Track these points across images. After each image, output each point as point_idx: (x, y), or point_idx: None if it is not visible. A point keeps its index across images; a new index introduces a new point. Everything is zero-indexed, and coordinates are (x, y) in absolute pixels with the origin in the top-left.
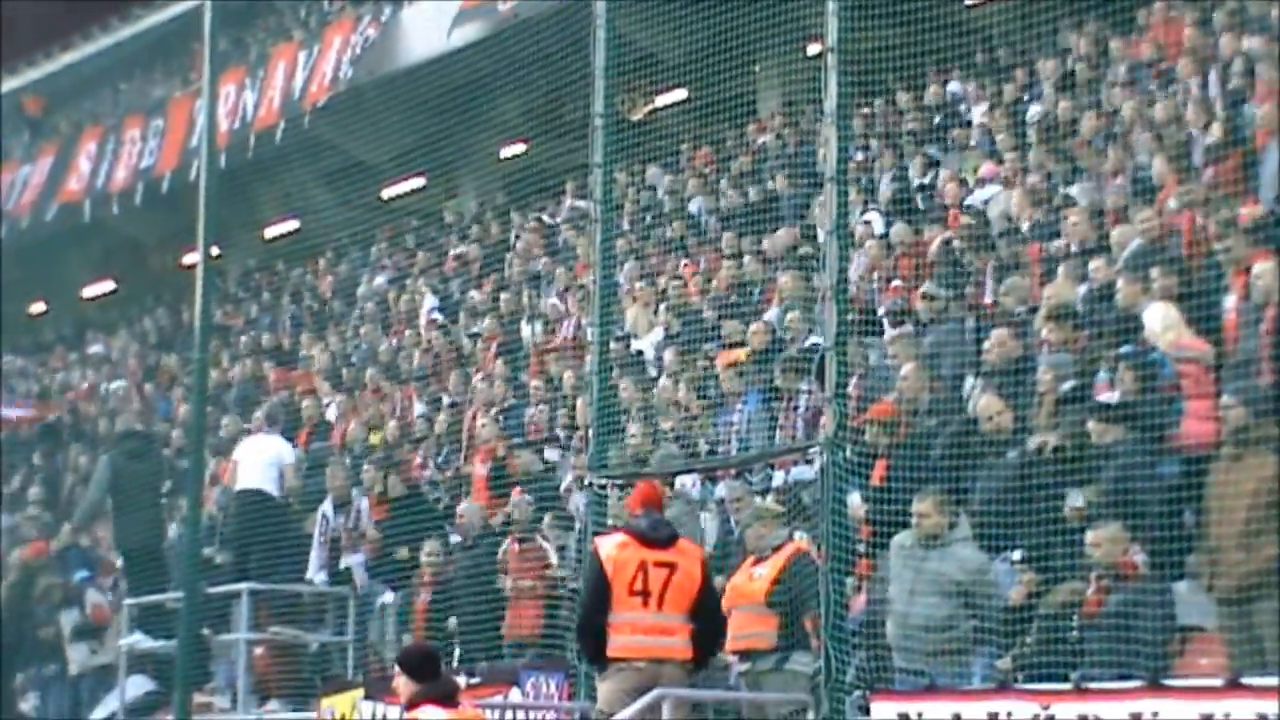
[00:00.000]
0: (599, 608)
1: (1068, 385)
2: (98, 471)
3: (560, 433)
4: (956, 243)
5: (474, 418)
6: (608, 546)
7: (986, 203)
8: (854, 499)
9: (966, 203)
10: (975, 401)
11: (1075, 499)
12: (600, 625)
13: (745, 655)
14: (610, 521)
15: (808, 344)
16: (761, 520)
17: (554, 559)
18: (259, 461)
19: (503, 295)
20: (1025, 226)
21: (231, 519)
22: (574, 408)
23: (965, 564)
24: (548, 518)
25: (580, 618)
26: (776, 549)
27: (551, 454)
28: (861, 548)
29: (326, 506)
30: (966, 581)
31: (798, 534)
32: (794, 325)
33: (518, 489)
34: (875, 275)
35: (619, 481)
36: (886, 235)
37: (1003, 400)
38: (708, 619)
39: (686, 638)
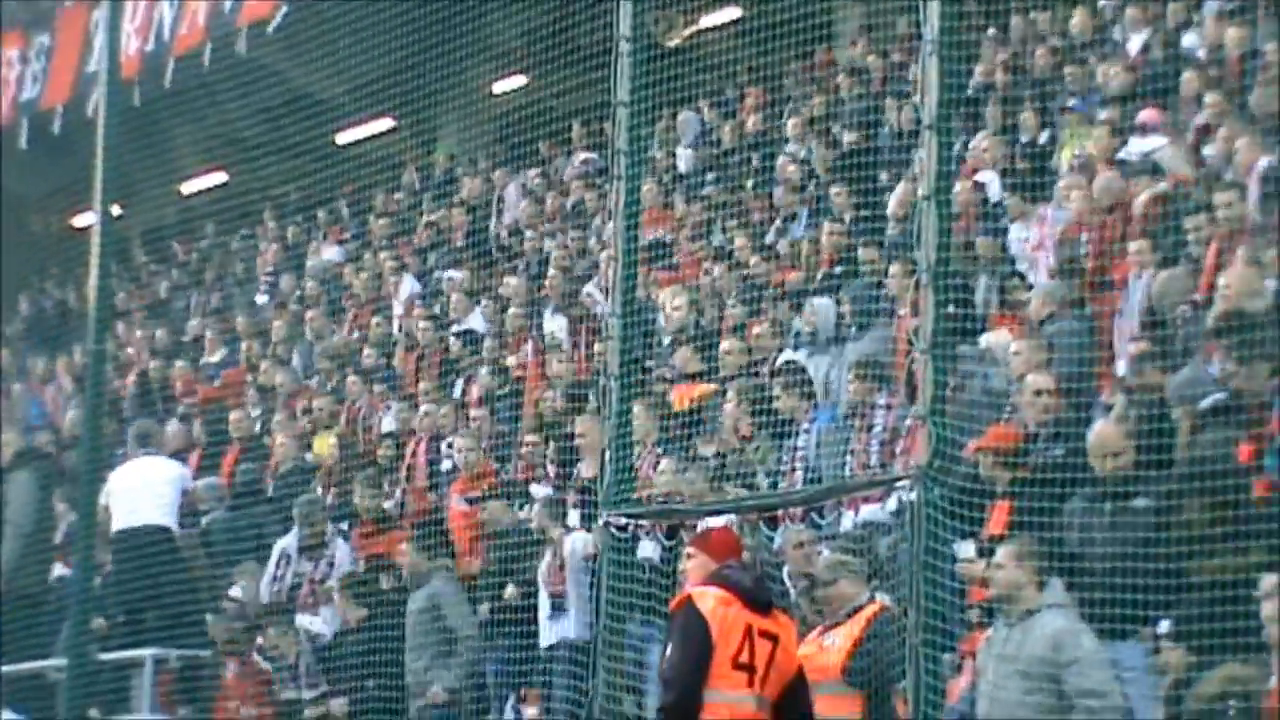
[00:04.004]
0: (698, 681)
1: (1209, 401)
2: None
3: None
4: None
5: (418, 445)
6: (709, 601)
7: (1148, 157)
8: (966, 550)
9: (1118, 158)
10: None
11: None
12: (696, 703)
13: None
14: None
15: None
16: (848, 576)
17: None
18: (146, 491)
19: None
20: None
21: (120, 567)
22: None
23: (1053, 639)
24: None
25: (679, 691)
26: (854, 612)
27: (539, 490)
28: (974, 615)
29: (289, 542)
30: (1057, 662)
31: (879, 593)
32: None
33: None
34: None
35: (643, 523)
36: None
37: (1123, 432)
38: (799, 713)
39: None
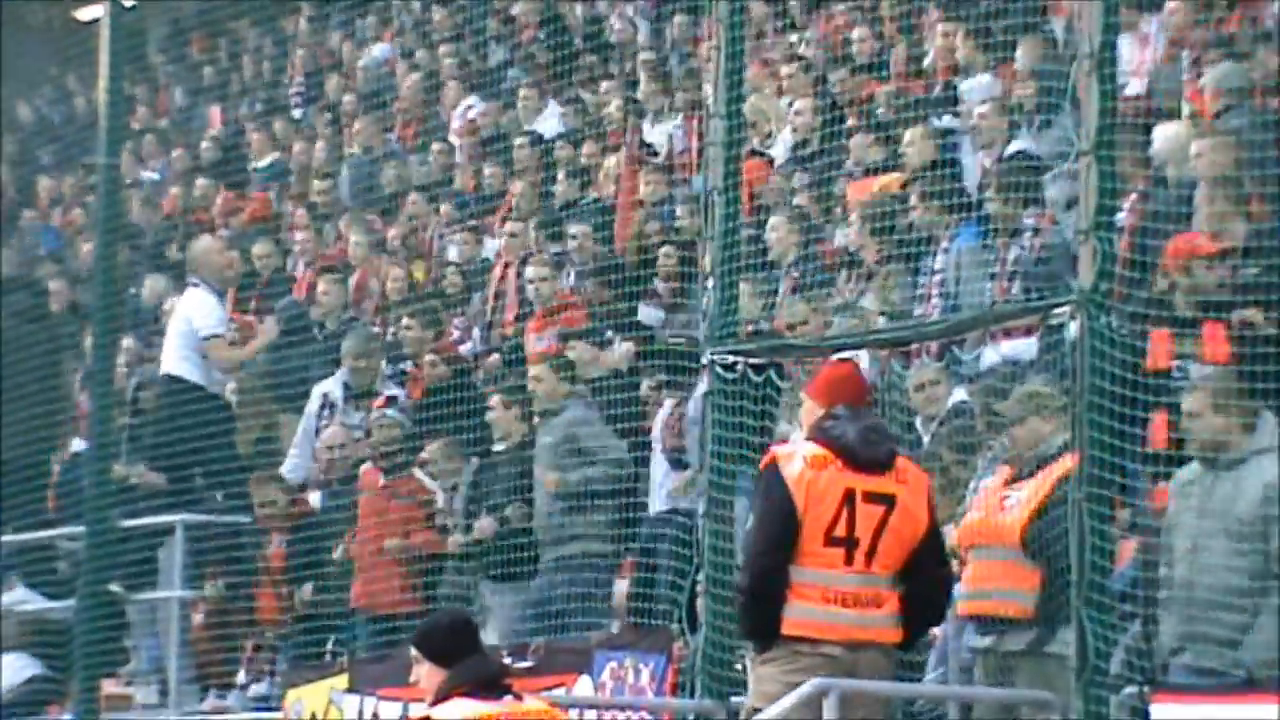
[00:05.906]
0: (781, 561)
1: None
2: None
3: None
4: None
5: (505, 268)
6: (796, 463)
7: None
8: None
9: None
10: None
11: None
12: (780, 585)
13: (988, 624)
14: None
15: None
16: (1042, 412)
17: (439, 499)
18: (171, 333)
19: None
20: None
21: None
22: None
23: (1266, 491)
24: (437, 444)
25: (754, 573)
26: (1046, 463)
27: (650, 314)
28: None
29: (332, 387)
30: (1269, 517)
31: None
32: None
33: None
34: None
35: (754, 361)
36: None
37: None
38: (931, 584)
39: (896, 610)
